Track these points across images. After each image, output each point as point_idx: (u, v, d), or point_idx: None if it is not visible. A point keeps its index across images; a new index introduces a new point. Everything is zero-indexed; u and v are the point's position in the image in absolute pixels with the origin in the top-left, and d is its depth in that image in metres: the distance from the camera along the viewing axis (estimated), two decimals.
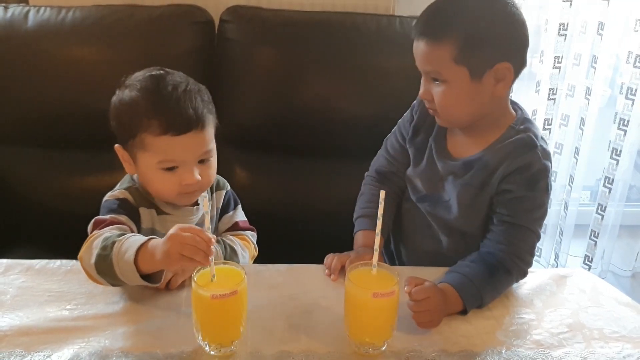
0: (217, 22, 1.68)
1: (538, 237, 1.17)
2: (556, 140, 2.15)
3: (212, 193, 1.24)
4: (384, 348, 0.98)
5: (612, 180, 2.13)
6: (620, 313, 1.12)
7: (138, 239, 0.99)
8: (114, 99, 1.12)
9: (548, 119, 2.10)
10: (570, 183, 2.19)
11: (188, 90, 1.08)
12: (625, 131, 2.06)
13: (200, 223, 1.20)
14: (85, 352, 0.94)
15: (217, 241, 1.18)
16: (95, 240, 1.01)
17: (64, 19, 1.61)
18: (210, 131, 1.12)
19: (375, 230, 0.98)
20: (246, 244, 1.24)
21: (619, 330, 1.06)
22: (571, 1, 1.93)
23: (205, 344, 0.95)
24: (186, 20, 1.64)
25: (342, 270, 1.16)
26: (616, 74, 2.22)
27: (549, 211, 1.18)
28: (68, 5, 1.64)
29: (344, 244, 1.26)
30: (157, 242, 0.97)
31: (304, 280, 1.16)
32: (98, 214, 1.12)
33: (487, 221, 1.20)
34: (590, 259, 2.27)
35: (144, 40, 1.61)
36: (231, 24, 1.65)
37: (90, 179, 1.65)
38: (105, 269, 0.99)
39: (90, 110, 1.46)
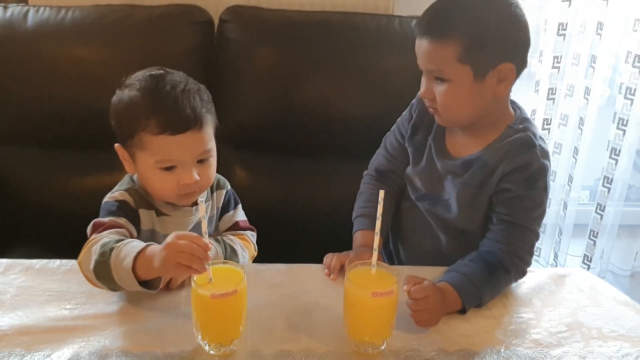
0: (217, 22, 1.68)
1: (537, 237, 1.17)
2: (555, 140, 2.15)
3: (212, 192, 1.24)
4: (383, 347, 0.99)
5: (611, 179, 2.14)
6: (619, 312, 1.12)
7: (136, 245, 0.99)
8: (114, 98, 1.12)
9: (547, 119, 2.10)
10: (570, 183, 2.19)
11: (187, 90, 1.08)
12: (624, 131, 2.06)
13: (200, 223, 1.20)
14: (85, 352, 0.95)
15: (217, 241, 1.19)
16: (94, 246, 1.01)
17: (63, 19, 1.61)
18: (209, 131, 1.11)
19: (374, 229, 0.98)
20: (246, 244, 1.25)
21: (618, 330, 1.07)
22: (570, 1, 1.93)
23: (205, 343, 0.95)
24: (186, 20, 1.64)
25: (341, 270, 1.16)
26: (615, 73, 2.23)
27: (548, 211, 1.18)
28: (68, 5, 1.63)
29: (344, 243, 1.26)
30: (154, 249, 0.97)
31: (303, 279, 1.16)
32: (98, 214, 1.12)
33: (487, 220, 1.20)
34: (589, 259, 2.27)
35: (144, 40, 1.61)
36: (231, 23, 1.65)
37: (90, 179, 1.65)
38: (104, 275, 1.00)
39: (90, 110, 1.47)
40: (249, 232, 1.28)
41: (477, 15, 1.09)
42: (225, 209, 1.27)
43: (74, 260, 1.14)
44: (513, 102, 1.22)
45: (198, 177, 1.09)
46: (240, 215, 1.29)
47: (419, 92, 1.19)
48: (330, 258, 1.19)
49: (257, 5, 1.70)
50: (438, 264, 1.19)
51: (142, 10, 1.64)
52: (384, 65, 1.66)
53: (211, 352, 0.96)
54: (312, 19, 1.68)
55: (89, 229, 1.09)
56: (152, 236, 1.16)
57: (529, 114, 1.29)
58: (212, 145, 1.12)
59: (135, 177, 1.18)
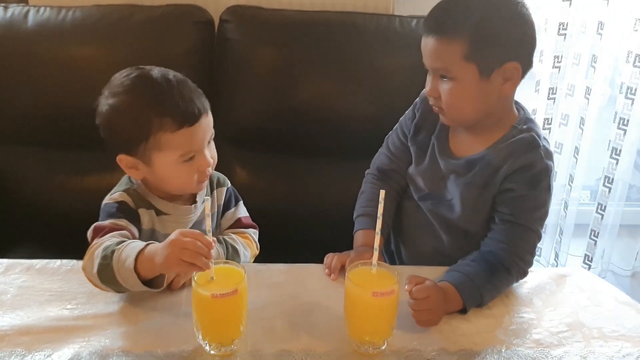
0: (217, 22, 1.68)
1: (539, 237, 1.17)
2: (556, 140, 2.15)
3: (212, 191, 1.24)
4: (383, 347, 0.99)
5: (612, 179, 2.13)
6: (620, 312, 1.12)
7: (136, 245, 0.99)
8: (103, 109, 1.09)
9: (548, 119, 2.10)
10: (570, 182, 2.19)
11: (178, 81, 1.09)
12: (625, 131, 2.06)
13: (199, 222, 1.20)
14: (85, 352, 0.95)
15: (219, 241, 1.19)
16: (96, 250, 1.01)
17: (64, 19, 1.61)
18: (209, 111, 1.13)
19: (375, 229, 0.98)
20: (248, 243, 1.25)
21: (619, 329, 1.07)
22: (571, 0, 1.93)
23: (206, 343, 0.95)
24: (186, 20, 1.64)
25: (342, 270, 1.16)
26: (616, 73, 2.22)
27: (549, 211, 1.18)
28: (68, 5, 1.64)
29: (344, 243, 1.26)
30: (155, 247, 0.97)
31: (304, 279, 1.16)
32: (98, 214, 1.13)
33: (489, 221, 1.20)
34: (590, 259, 2.27)
35: (144, 40, 1.61)
36: (231, 23, 1.65)
37: (90, 179, 1.65)
38: (108, 278, 1.00)
39: (90, 110, 1.45)
40: (251, 230, 1.28)
41: (483, 14, 1.09)
42: (226, 206, 1.27)
43: (74, 261, 1.14)
44: (517, 103, 1.22)
45: (211, 159, 1.13)
46: (242, 211, 1.29)
47: (424, 90, 1.19)
48: (331, 258, 1.19)
49: (257, 5, 1.70)
50: (440, 265, 1.19)
51: (143, 10, 1.64)
52: (384, 65, 1.66)
53: (212, 352, 0.96)
54: (312, 19, 1.68)
55: (89, 234, 1.08)
56: (152, 236, 1.16)
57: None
58: None
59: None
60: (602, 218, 2.20)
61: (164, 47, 1.61)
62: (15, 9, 1.63)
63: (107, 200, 1.14)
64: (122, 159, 1.11)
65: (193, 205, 1.19)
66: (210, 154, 1.14)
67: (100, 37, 1.61)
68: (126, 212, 1.12)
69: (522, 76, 1.14)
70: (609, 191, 2.15)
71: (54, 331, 0.99)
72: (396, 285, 0.95)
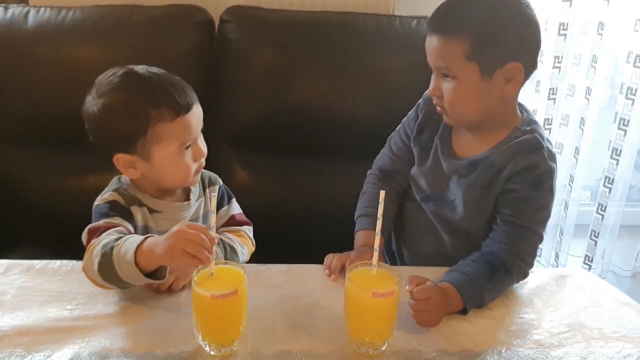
0: (217, 22, 1.68)
1: (540, 239, 1.17)
2: (556, 140, 2.15)
3: (204, 189, 1.24)
4: (384, 348, 0.98)
5: (612, 180, 2.13)
6: (620, 313, 1.12)
7: (135, 239, 0.99)
8: (94, 111, 1.09)
9: (548, 119, 2.10)
10: (571, 183, 2.19)
11: (165, 74, 1.11)
12: (625, 131, 2.06)
13: (194, 219, 1.20)
14: (85, 352, 0.95)
15: (217, 242, 1.18)
16: (95, 249, 1.01)
17: (64, 19, 1.61)
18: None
19: (376, 229, 0.98)
20: (244, 240, 1.24)
21: (619, 330, 1.06)
22: (571, 1, 1.93)
23: (206, 344, 0.95)
24: (186, 20, 1.64)
25: (342, 270, 1.16)
26: (616, 73, 2.22)
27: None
28: (68, 5, 1.64)
29: (344, 243, 1.26)
30: (155, 239, 0.97)
31: (304, 280, 1.16)
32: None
33: (491, 221, 1.20)
34: (590, 259, 2.27)
35: (144, 40, 1.61)
36: (231, 24, 1.65)
37: (90, 179, 1.65)
38: (109, 275, 0.99)
39: None
40: (245, 227, 1.27)
41: (485, 14, 1.09)
42: (219, 204, 1.26)
43: (74, 261, 1.14)
44: (520, 104, 1.22)
45: (204, 148, 1.14)
46: (235, 208, 1.28)
47: (428, 90, 1.19)
48: (331, 258, 1.19)
49: (258, 6, 1.70)
50: (441, 266, 1.18)
51: (143, 10, 1.64)
52: (384, 65, 1.66)
53: (212, 352, 0.95)
54: (312, 19, 1.68)
55: (84, 236, 1.08)
56: (146, 233, 1.15)
57: None
58: None
59: (122, 178, 1.17)
60: (602, 218, 2.20)
61: (164, 47, 1.61)
62: (15, 10, 1.63)
63: (97, 201, 1.14)
64: (120, 159, 1.11)
65: (186, 203, 1.19)
66: (202, 142, 1.15)
67: (100, 38, 1.61)
68: (119, 210, 1.12)
69: (526, 77, 1.14)
70: (610, 191, 2.15)
71: (53, 332, 0.98)
72: (396, 286, 0.95)
